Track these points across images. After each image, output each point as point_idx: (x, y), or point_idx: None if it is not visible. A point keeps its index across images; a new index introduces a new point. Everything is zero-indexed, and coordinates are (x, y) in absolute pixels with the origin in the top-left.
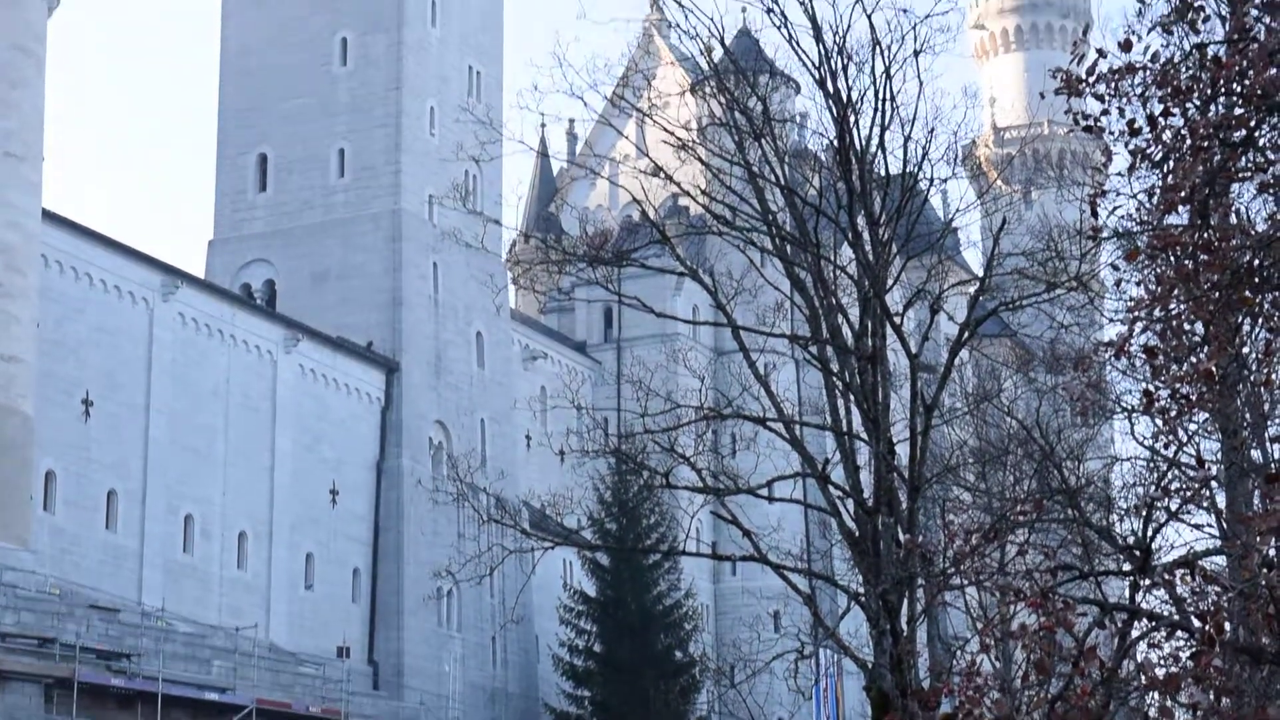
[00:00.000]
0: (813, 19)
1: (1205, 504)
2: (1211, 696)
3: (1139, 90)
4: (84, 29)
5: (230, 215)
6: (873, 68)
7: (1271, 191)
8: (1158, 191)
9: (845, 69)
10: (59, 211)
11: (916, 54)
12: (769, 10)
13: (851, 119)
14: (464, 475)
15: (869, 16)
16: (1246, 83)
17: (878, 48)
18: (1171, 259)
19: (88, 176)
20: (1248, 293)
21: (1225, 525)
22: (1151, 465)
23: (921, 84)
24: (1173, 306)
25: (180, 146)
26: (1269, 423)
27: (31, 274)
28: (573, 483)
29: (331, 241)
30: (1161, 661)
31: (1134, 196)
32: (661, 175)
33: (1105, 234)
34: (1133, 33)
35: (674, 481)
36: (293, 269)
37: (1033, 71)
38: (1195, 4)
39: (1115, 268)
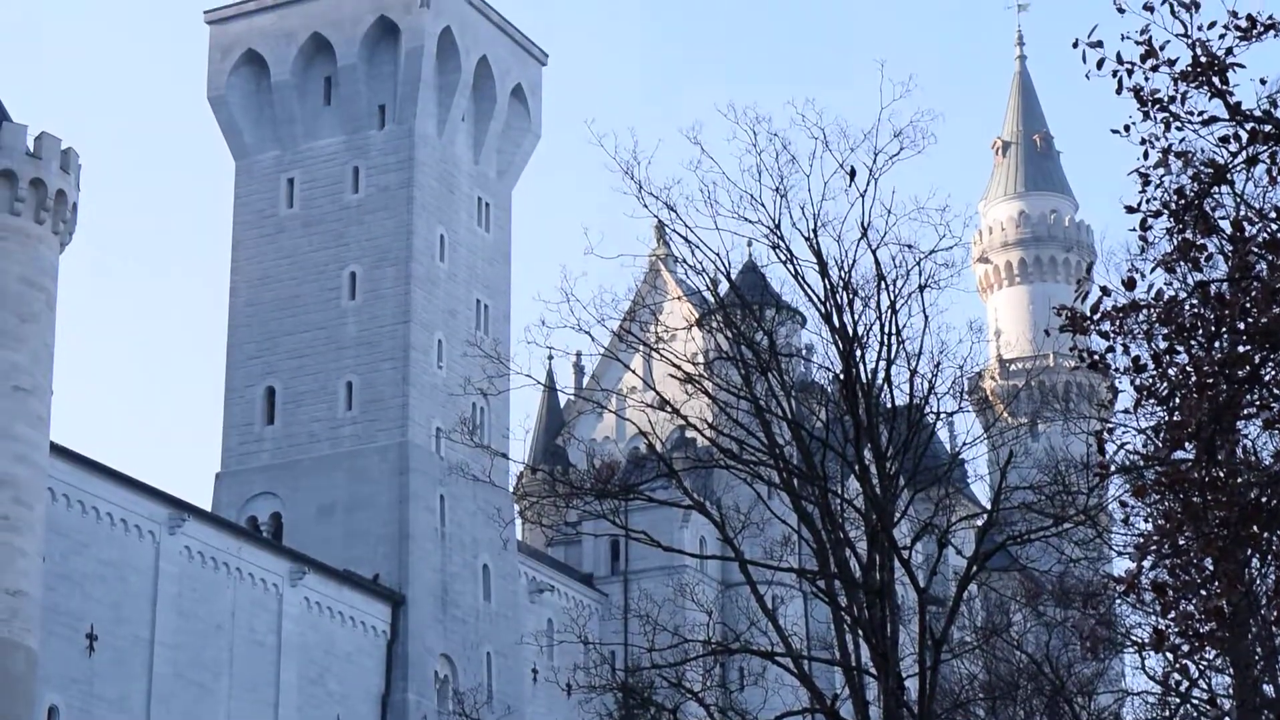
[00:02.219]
0: (818, 254)
1: None
2: None
3: (1143, 327)
4: (95, 262)
5: (238, 448)
6: (878, 302)
7: (1278, 427)
8: (1164, 427)
9: (851, 303)
10: (66, 444)
11: (921, 289)
12: (775, 245)
13: (857, 353)
14: (470, 711)
15: (874, 252)
16: (1250, 320)
17: (883, 283)
18: (1179, 495)
19: (96, 409)
20: (1256, 529)
21: None
22: (1163, 701)
23: (927, 318)
24: (1181, 542)
25: (189, 379)
26: None
27: (38, 507)
28: (580, 718)
29: (339, 474)
30: None
31: (1141, 432)
32: (668, 409)
33: (1112, 469)
34: (1136, 270)
35: (682, 717)
36: (299, 502)
37: (1037, 304)
38: (1197, 242)
39: (1123, 503)
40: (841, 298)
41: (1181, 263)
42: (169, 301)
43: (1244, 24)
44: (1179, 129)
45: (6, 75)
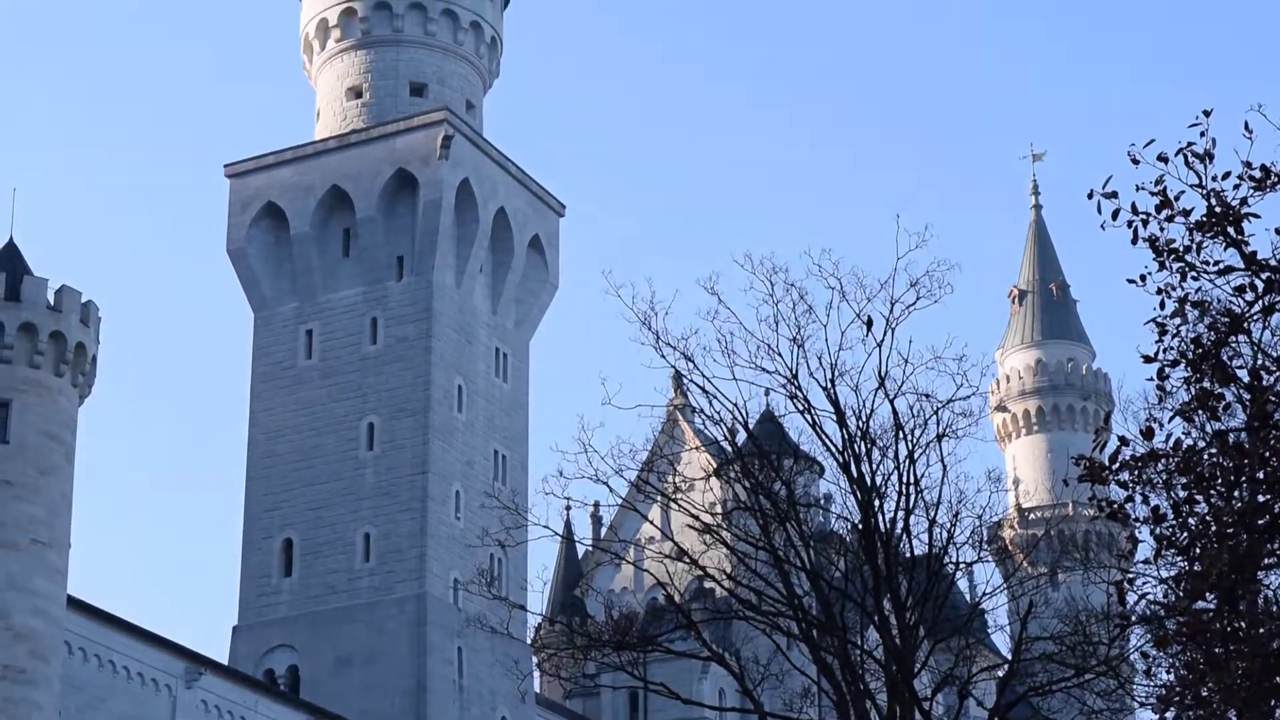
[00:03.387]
0: (835, 404)
1: None
2: None
3: (1162, 477)
4: (114, 414)
5: (255, 600)
6: (896, 452)
7: None
8: (1185, 577)
9: (869, 453)
10: (84, 598)
11: (939, 438)
12: (792, 395)
13: (876, 503)
14: None
15: (891, 402)
16: (1270, 469)
17: (901, 432)
18: (1201, 646)
19: (114, 561)
20: (1279, 680)
21: None
22: None
23: (945, 467)
24: (1204, 694)
25: (207, 531)
26: None
27: (55, 661)
28: None
29: (356, 626)
30: None
31: (1162, 582)
32: (686, 559)
33: (1133, 620)
34: (1154, 419)
35: None
36: (317, 654)
37: (1056, 453)
38: (1215, 391)
39: (1145, 654)
40: (859, 447)
41: (1199, 412)
42: (187, 453)
43: (1258, 174)
44: (1195, 278)
45: (28, 228)
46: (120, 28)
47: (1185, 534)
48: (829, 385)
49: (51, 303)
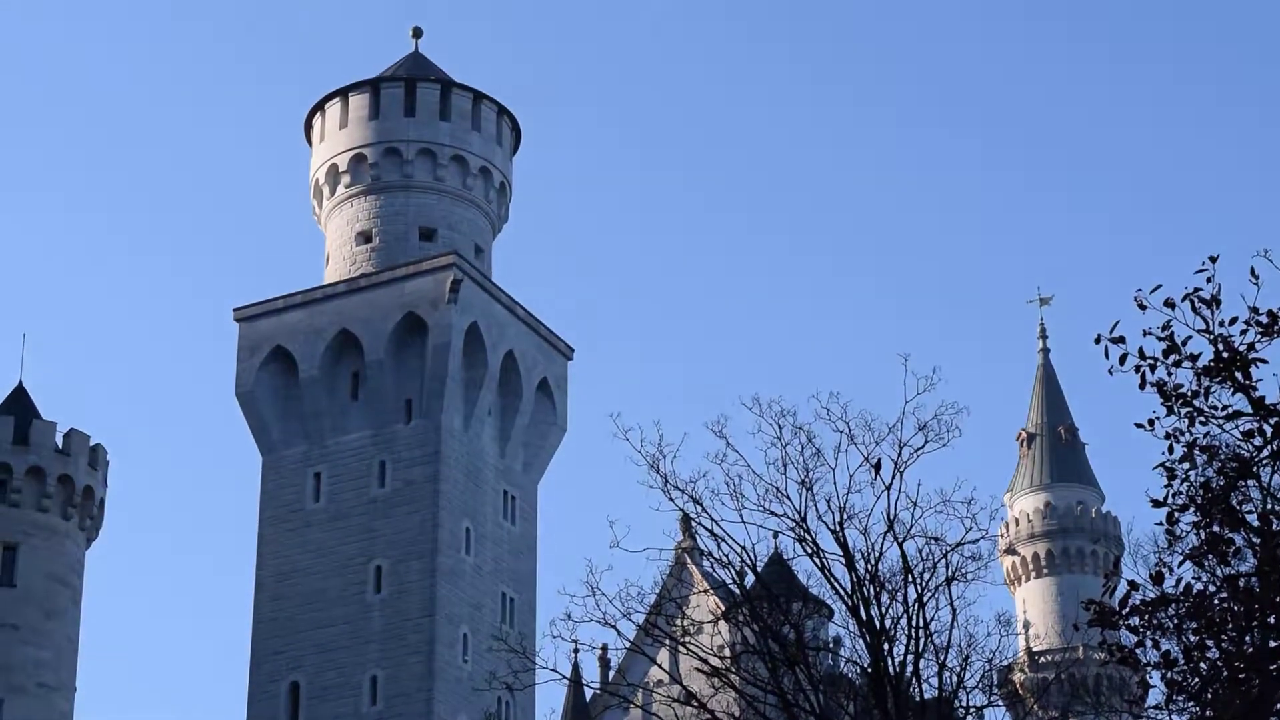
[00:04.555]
0: (844, 547)
1: None
2: None
3: (1173, 621)
4: (121, 558)
5: None
6: (905, 595)
7: None
8: None
9: (878, 596)
10: None
11: (949, 581)
12: (801, 538)
13: (885, 646)
14: None
15: (900, 545)
16: None
17: (910, 576)
18: None
19: (120, 704)
20: None
21: None
22: None
23: (954, 611)
24: None
25: (213, 674)
26: None
27: None
28: None
29: None
30: None
31: None
32: (695, 703)
33: None
34: (1164, 564)
35: None
36: None
37: (1066, 596)
38: (1225, 536)
39: None
40: (869, 590)
41: (1209, 557)
42: (195, 596)
43: (1265, 320)
44: (1203, 423)
45: (37, 372)
46: (130, 172)
47: (1197, 679)
48: (838, 528)
49: (60, 446)
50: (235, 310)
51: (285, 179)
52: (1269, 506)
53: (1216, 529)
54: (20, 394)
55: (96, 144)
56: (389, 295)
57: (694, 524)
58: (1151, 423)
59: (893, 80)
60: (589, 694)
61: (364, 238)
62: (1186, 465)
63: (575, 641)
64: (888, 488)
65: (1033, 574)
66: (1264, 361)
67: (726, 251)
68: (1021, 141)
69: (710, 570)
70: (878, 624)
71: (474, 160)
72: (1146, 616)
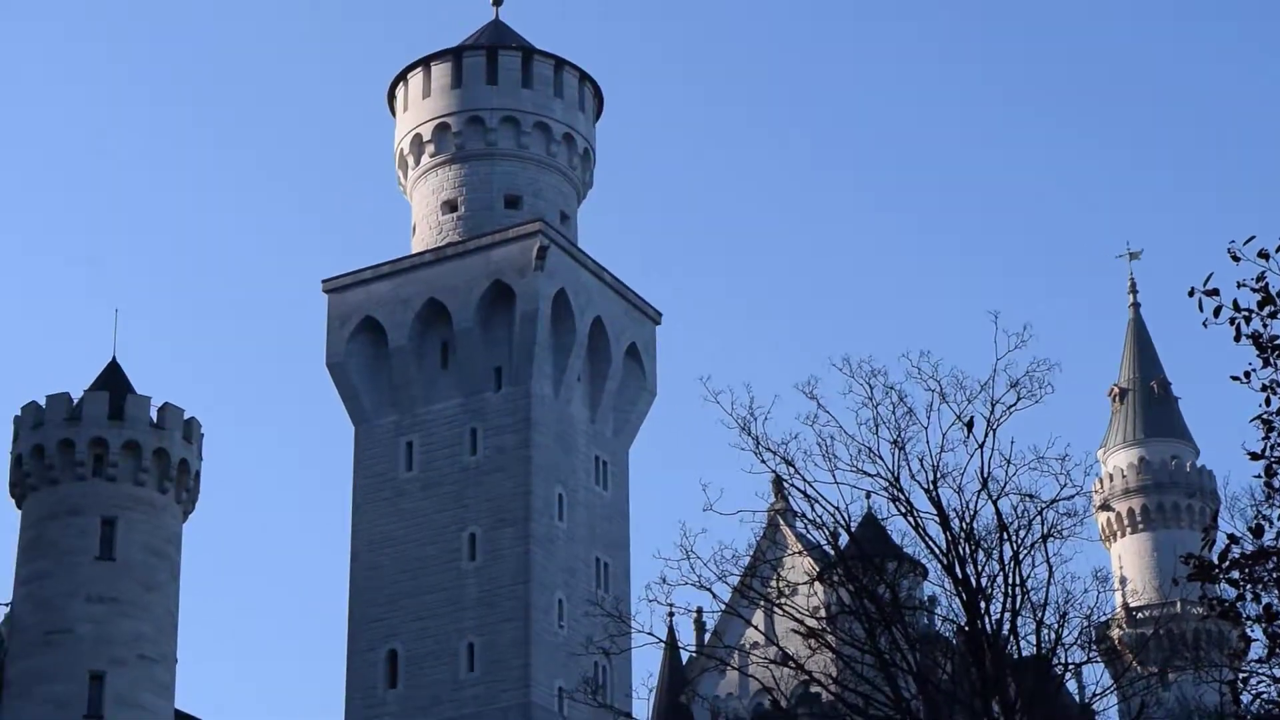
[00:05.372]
0: (938, 506)
1: None
2: None
3: (1273, 575)
4: (216, 530)
5: (361, 712)
6: (1001, 554)
7: None
8: None
9: (974, 555)
10: (191, 712)
11: (1045, 539)
12: (894, 498)
13: (982, 604)
14: None
15: (995, 503)
16: None
17: (1005, 534)
18: None
19: (219, 675)
20: None
21: None
22: None
23: (1051, 568)
24: None
25: (311, 643)
26: None
27: None
28: None
29: None
30: None
31: (1276, 681)
32: (792, 664)
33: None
34: (1263, 517)
35: None
36: None
37: (1162, 551)
38: None
39: None
40: (964, 549)
41: None
42: (291, 566)
43: None
44: None
45: (129, 347)
46: (217, 147)
47: None
48: (931, 487)
49: (155, 420)
50: (324, 282)
51: (370, 150)
52: None
53: None
54: (114, 369)
55: (184, 120)
56: (476, 264)
57: (786, 486)
58: (1248, 375)
59: (978, 38)
60: (685, 657)
61: (450, 206)
62: None
63: (670, 605)
64: (981, 446)
65: (1128, 530)
66: None
67: (813, 211)
68: (1112, 96)
69: (804, 532)
70: (974, 582)
71: (557, 127)
72: (1246, 570)
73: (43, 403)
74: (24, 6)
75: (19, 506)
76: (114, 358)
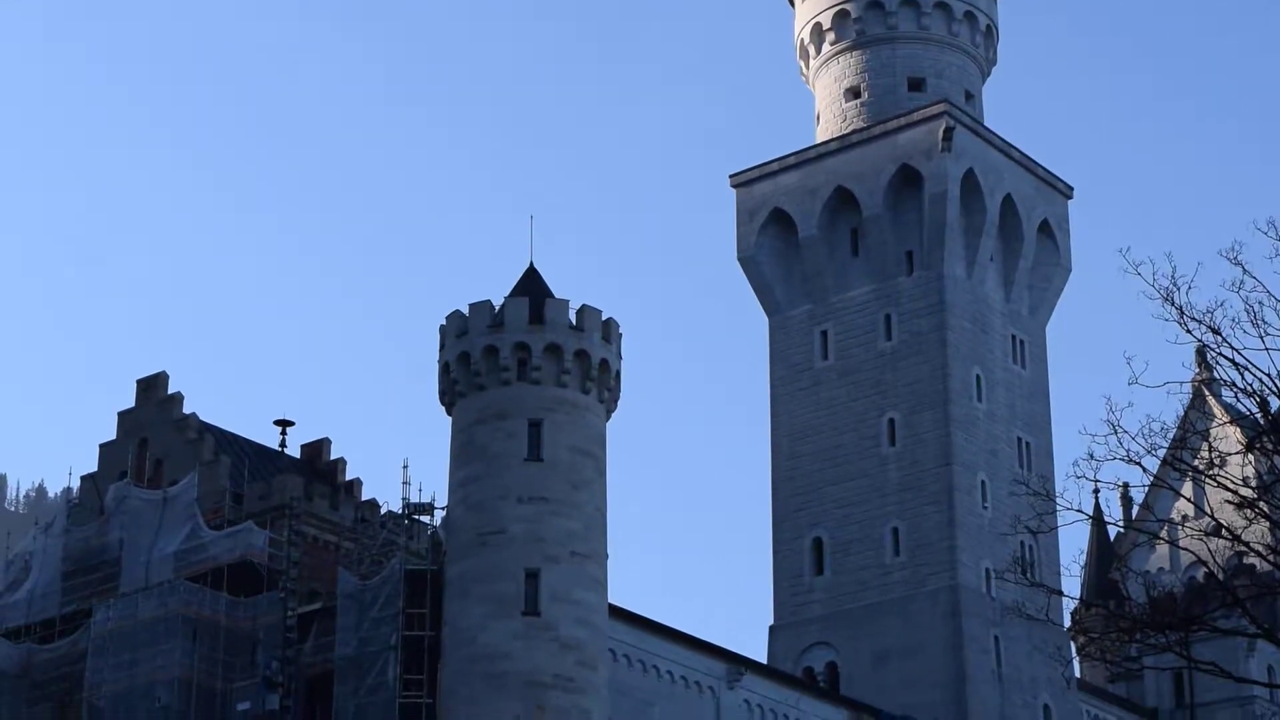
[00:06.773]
0: None
1: None
2: None
3: None
4: (638, 427)
5: (789, 600)
6: None
7: None
8: None
9: None
10: (623, 606)
11: None
12: None
13: None
14: None
15: None
16: None
17: None
18: None
19: (648, 569)
20: None
21: None
22: None
23: None
24: None
25: (736, 534)
26: None
27: (601, 669)
28: None
29: (890, 621)
30: None
31: None
32: (1226, 535)
33: None
34: None
35: None
36: (853, 651)
37: None
38: None
39: None
40: None
41: None
42: (712, 459)
43: None
44: None
45: (544, 251)
46: (617, 57)
47: None
48: None
49: (574, 323)
50: (732, 176)
51: (771, 42)
52: None
53: None
54: (532, 274)
55: (587, 27)
56: (882, 149)
57: (1211, 355)
58: None
59: None
60: (1113, 533)
61: (853, 93)
62: None
63: (1097, 481)
64: None
65: None
66: None
67: (1225, 66)
68: None
69: (1233, 401)
70: None
71: (958, 6)
72: None
73: (466, 311)
74: None
75: (449, 413)
76: (531, 263)
